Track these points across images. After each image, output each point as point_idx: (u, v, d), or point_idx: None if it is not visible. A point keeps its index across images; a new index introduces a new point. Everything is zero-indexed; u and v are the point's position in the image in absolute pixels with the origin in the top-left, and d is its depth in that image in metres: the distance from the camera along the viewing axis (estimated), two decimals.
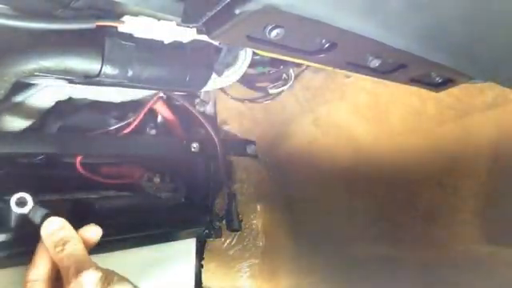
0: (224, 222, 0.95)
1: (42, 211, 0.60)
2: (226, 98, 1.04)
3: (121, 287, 0.55)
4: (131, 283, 0.57)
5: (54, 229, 0.59)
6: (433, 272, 0.84)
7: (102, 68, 0.59)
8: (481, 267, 0.79)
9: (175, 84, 0.70)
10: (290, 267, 1.03)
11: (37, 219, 0.59)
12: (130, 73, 0.61)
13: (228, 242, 1.00)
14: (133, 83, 0.64)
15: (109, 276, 0.55)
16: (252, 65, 0.84)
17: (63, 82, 0.65)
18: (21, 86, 0.66)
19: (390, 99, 0.90)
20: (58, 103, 0.73)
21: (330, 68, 0.62)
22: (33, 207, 0.59)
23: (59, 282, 0.58)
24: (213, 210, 0.98)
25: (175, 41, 0.63)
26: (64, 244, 0.58)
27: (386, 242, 0.92)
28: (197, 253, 0.95)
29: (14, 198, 0.58)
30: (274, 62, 0.96)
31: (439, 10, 0.43)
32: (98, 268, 0.56)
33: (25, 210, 0.58)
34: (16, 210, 0.58)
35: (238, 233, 0.99)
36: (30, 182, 0.78)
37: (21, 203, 0.58)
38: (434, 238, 0.87)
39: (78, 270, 0.55)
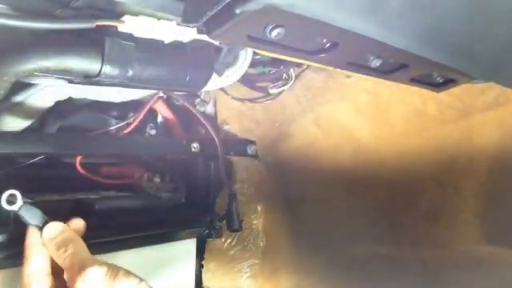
0: (224, 222, 0.95)
1: (35, 212, 0.60)
2: (227, 97, 1.04)
3: (126, 280, 0.55)
4: (137, 277, 0.57)
5: (56, 233, 0.59)
6: (433, 272, 0.84)
7: (101, 68, 0.59)
8: (482, 268, 0.79)
9: (175, 84, 0.70)
10: (290, 267, 1.03)
11: (29, 219, 0.59)
12: (130, 73, 0.61)
13: (228, 242, 0.99)
14: (133, 83, 0.63)
15: (114, 270, 0.56)
16: (252, 64, 0.84)
17: (63, 82, 0.65)
18: (20, 85, 0.65)
19: (390, 99, 0.90)
20: (58, 103, 0.73)
21: (330, 68, 0.62)
22: (24, 206, 0.59)
23: (60, 280, 0.58)
24: (213, 210, 0.98)
25: (175, 40, 0.63)
26: (66, 245, 0.58)
27: (387, 242, 0.92)
28: (197, 253, 0.95)
29: (4, 196, 0.58)
30: (274, 62, 0.96)
31: (440, 9, 0.43)
32: (102, 263, 0.56)
33: (14, 208, 0.58)
34: (6, 207, 0.58)
35: (239, 233, 0.98)
36: (30, 182, 0.78)
37: (10, 201, 0.58)
38: (434, 238, 0.86)
39: (83, 267, 0.55)
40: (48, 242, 0.59)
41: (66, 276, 0.58)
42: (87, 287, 0.54)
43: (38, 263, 0.58)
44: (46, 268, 0.58)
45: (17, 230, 0.63)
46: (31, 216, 0.60)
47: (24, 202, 0.59)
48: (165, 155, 0.95)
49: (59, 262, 0.58)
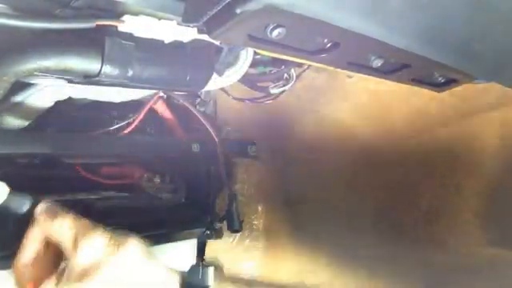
0: (225, 222, 0.95)
1: (24, 197, 0.59)
2: (227, 97, 1.03)
3: (129, 243, 0.55)
4: (137, 238, 0.56)
5: (48, 208, 0.58)
6: (434, 273, 0.84)
7: (101, 68, 0.58)
8: (483, 268, 0.79)
9: (176, 84, 0.70)
10: (291, 267, 1.03)
11: (18, 206, 0.59)
12: (130, 73, 0.61)
13: (229, 242, 0.99)
14: (133, 83, 0.63)
15: (115, 237, 0.55)
16: (253, 64, 0.83)
17: (63, 82, 0.65)
18: (20, 85, 0.65)
19: (392, 99, 0.90)
20: (58, 103, 0.72)
21: (331, 68, 0.62)
22: (10, 194, 0.58)
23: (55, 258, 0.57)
24: (213, 210, 0.98)
25: (176, 40, 0.63)
26: (63, 217, 0.56)
27: (388, 242, 0.92)
28: (197, 253, 0.95)
29: None
30: (275, 62, 0.95)
31: (441, 8, 0.43)
32: (104, 231, 0.55)
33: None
34: None
35: (239, 233, 0.98)
36: (29, 183, 0.78)
37: None
38: (435, 238, 0.86)
39: (87, 232, 0.54)
40: (41, 216, 0.57)
41: (65, 245, 0.55)
42: (90, 250, 0.53)
43: (28, 254, 0.57)
44: (36, 258, 0.57)
45: (18, 229, 0.63)
46: (20, 203, 0.59)
47: (10, 190, 0.58)
48: (165, 155, 0.95)
49: (56, 234, 0.55)
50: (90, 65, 0.58)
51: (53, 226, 0.56)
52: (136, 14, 0.59)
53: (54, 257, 0.58)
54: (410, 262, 0.88)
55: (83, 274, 0.51)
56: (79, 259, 0.52)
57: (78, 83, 0.65)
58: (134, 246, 0.55)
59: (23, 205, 0.59)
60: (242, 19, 0.37)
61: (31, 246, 0.57)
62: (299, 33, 0.44)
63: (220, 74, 0.74)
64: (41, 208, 0.58)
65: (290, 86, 0.99)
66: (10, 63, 0.56)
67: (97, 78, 0.60)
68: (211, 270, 0.75)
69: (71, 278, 0.51)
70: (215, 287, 0.55)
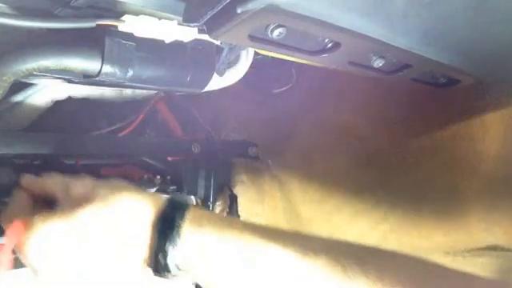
0: None
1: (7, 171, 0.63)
2: (227, 98, 1.03)
3: (112, 179, 0.59)
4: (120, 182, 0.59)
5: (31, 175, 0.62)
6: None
7: (101, 67, 0.58)
8: (485, 272, 0.79)
9: (176, 84, 0.70)
10: None
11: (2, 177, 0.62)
12: (130, 73, 0.61)
13: None
14: (133, 83, 0.63)
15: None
16: (253, 64, 0.83)
17: (62, 82, 0.65)
18: (20, 85, 0.65)
19: (392, 99, 0.90)
20: (58, 103, 0.72)
21: (332, 68, 0.61)
22: None
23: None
24: (214, 211, 0.97)
25: (176, 40, 0.63)
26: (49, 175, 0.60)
27: (389, 245, 0.92)
28: None
29: None
30: (275, 62, 0.95)
31: (443, 9, 0.43)
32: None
33: None
34: None
35: None
36: None
37: None
38: (437, 241, 0.86)
39: (74, 180, 0.57)
40: (28, 178, 0.61)
41: (58, 192, 0.58)
42: (81, 186, 0.56)
43: (17, 205, 0.59)
44: (25, 208, 0.59)
45: None
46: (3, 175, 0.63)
47: None
48: (165, 156, 0.94)
49: (48, 185, 0.59)
50: (90, 65, 0.58)
51: (45, 181, 0.60)
52: (136, 13, 0.59)
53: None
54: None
55: (76, 204, 0.54)
56: (71, 195, 0.56)
57: (77, 83, 0.65)
58: (117, 181, 0.59)
59: (7, 176, 0.63)
60: (243, 19, 0.37)
61: (19, 201, 0.60)
62: (300, 33, 0.44)
63: (220, 74, 0.73)
64: (27, 175, 0.62)
65: (290, 85, 0.99)
66: (10, 63, 0.56)
67: (97, 78, 0.60)
68: (192, 197, 0.88)
69: (65, 210, 0.54)
70: (192, 208, 0.56)
